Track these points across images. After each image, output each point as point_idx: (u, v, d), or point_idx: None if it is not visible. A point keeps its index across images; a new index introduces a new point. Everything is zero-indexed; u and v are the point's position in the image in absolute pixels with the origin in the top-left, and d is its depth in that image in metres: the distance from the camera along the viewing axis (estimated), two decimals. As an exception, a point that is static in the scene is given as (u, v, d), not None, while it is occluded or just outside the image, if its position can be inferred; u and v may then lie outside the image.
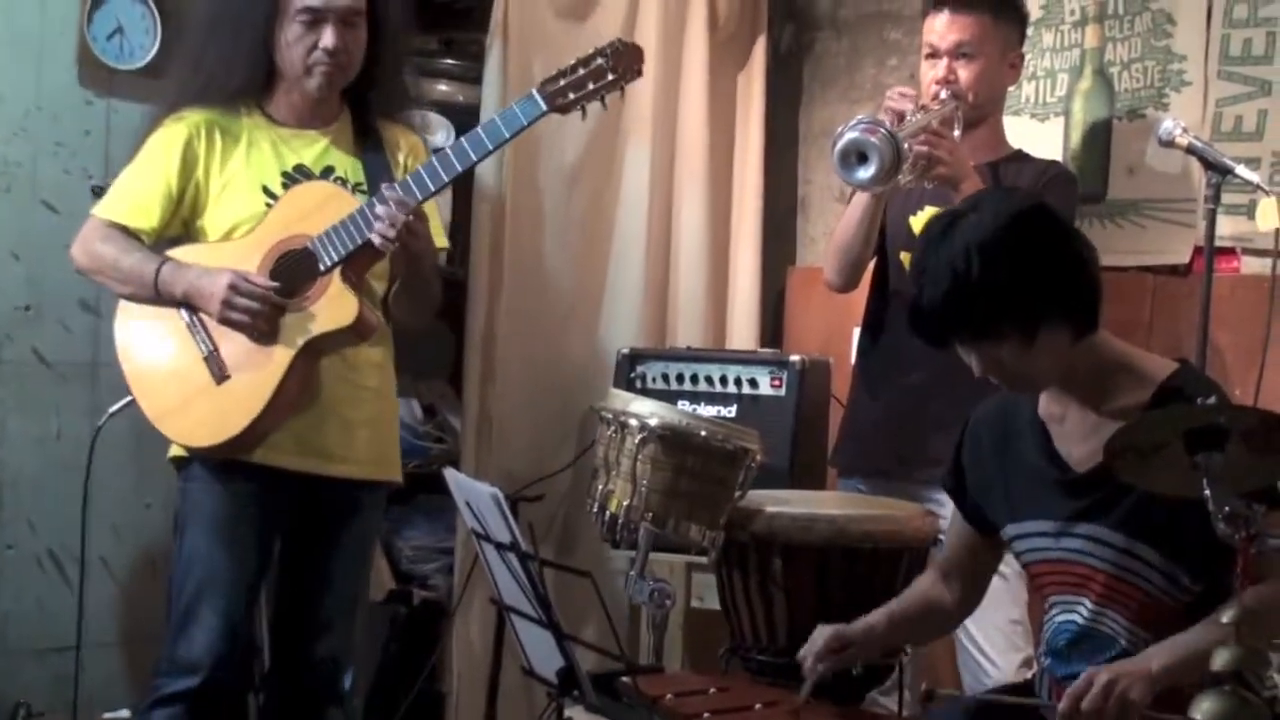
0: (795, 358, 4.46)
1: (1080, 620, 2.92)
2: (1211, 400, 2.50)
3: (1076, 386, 2.90)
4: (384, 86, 3.85)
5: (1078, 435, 2.91)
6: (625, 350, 4.66)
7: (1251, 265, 4.35)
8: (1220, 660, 2.33)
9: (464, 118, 4.76)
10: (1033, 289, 2.75)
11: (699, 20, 5.18)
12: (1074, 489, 2.89)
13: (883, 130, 3.61)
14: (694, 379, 4.51)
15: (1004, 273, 2.73)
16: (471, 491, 2.92)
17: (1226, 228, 4.24)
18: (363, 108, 3.84)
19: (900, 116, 3.80)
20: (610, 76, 3.65)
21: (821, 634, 3.05)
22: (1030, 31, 4.45)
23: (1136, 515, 2.80)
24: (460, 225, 4.97)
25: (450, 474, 3.05)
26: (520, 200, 4.87)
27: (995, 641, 3.88)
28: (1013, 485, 3.01)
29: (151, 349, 3.70)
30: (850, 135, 3.64)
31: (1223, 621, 2.35)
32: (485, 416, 4.84)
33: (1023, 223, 2.79)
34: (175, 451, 3.73)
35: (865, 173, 3.64)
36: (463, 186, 4.87)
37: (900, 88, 3.99)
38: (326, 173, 3.76)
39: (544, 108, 3.64)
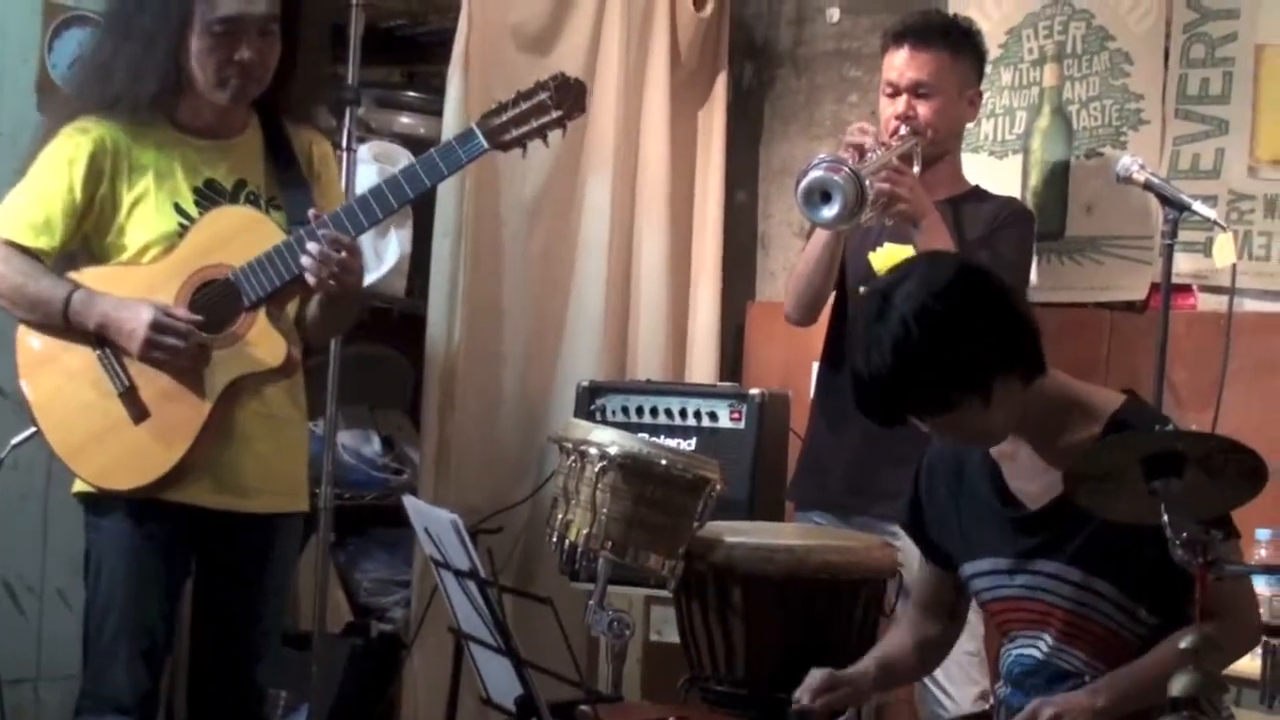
0: (755, 391, 4.46)
1: (1040, 654, 2.92)
2: (1170, 426, 2.51)
3: (1028, 428, 2.90)
4: (297, 92, 3.70)
5: (1030, 472, 2.91)
6: (585, 383, 4.65)
7: (1208, 302, 4.37)
8: (1178, 686, 2.35)
9: (426, 150, 4.76)
10: (978, 350, 2.75)
11: (660, 57, 5.21)
12: (1027, 526, 2.90)
13: (846, 169, 3.61)
14: (654, 412, 4.50)
15: (947, 340, 2.73)
16: (430, 518, 2.91)
17: (1183, 265, 4.27)
18: (272, 114, 3.68)
19: (861, 152, 3.80)
20: (554, 113, 3.51)
21: (816, 675, 3.05)
22: (989, 69, 4.48)
23: (1092, 550, 2.80)
24: (420, 258, 4.96)
25: (409, 501, 3.04)
26: (481, 233, 4.87)
27: (952, 675, 3.87)
28: (967, 524, 3.02)
29: (59, 380, 3.51)
30: (814, 174, 3.64)
31: (1181, 648, 2.36)
32: (444, 449, 4.82)
33: (954, 286, 2.78)
34: (82, 487, 3.55)
35: (829, 211, 3.64)
36: (423, 219, 4.88)
37: (860, 123, 4.01)
38: (239, 187, 3.60)
39: (485, 145, 3.51)
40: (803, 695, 3.03)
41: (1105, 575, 2.81)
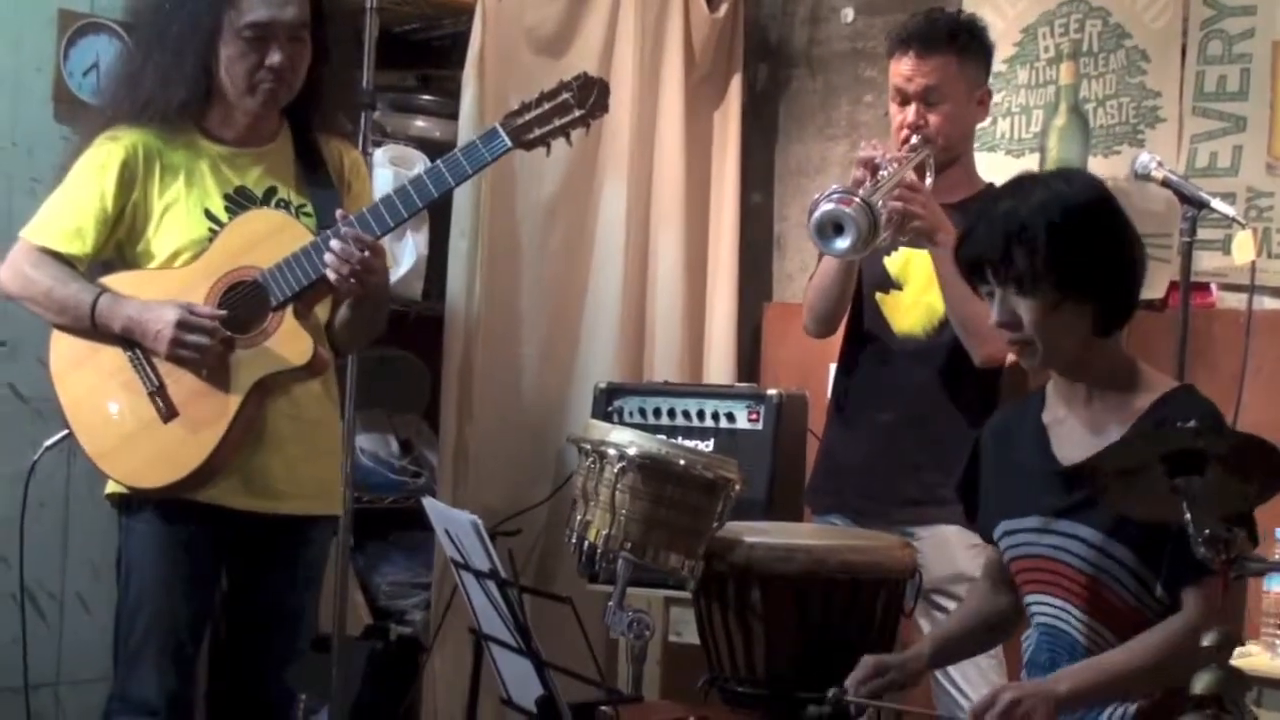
0: (772, 392, 4.47)
1: (1044, 619, 2.94)
2: (1190, 423, 2.50)
3: (1086, 376, 2.95)
4: (327, 101, 3.71)
5: (1075, 437, 2.95)
6: (602, 384, 4.66)
7: (1227, 300, 4.38)
8: (1201, 684, 2.34)
9: (441, 153, 4.72)
10: (1078, 257, 2.83)
11: (675, 58, 5.22)
12: (1062, 483, 2.91)
13: (858, 200, 3.55)
14: (671, 413, 4.51)
15: (1061, 232, 2.82)
16: (451, 520, 2.91)
17: (1202, 262, 4.27)
18: (303, 123, 3.70)
19: (874, 169, 3.77)
20: (576, 112, 3.54)
21: (865, 661, 3.08)
22: (1005, 68, 4.47)
23: (1119, 516, 2.80)
24: (437, 260, 4.97)
25: (429, 502, 3.04)
26: (497, 234, 4.87)
27: (970, 677, 3.86)
28: (1011, 484, 3.05)
29: (91, 382, 3.54)
30: (825, 207, 3.58)
31: (1204, 645, 2.35)
32: (462, 451, 4.83)
33: (1097, 203, 2.90)
34: (114, 488, 3.58)
35: (843, 243, 3.59)
36: (440, 220, 4.88)
37: (870, 141, 3.97)
38: (269, 194, 3.62)
39: (508, 144, 3.53)
40: (851, 684, 3.04)
41: (1127, 541, 2.82)
